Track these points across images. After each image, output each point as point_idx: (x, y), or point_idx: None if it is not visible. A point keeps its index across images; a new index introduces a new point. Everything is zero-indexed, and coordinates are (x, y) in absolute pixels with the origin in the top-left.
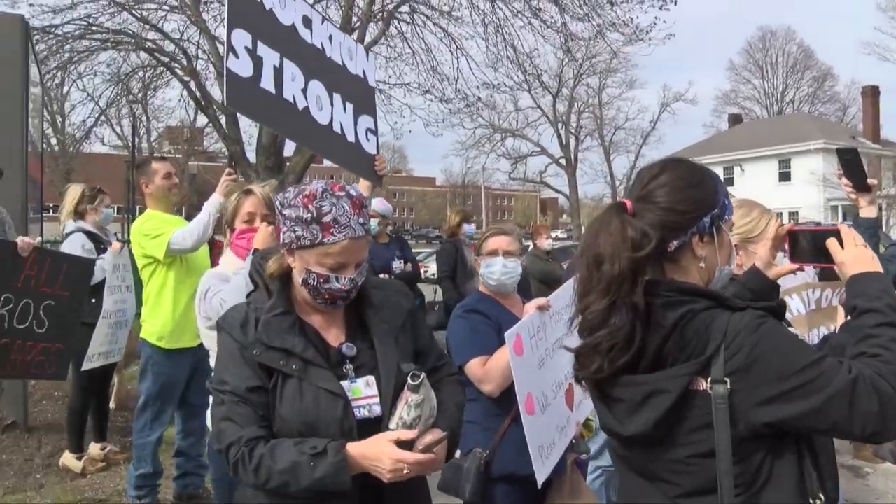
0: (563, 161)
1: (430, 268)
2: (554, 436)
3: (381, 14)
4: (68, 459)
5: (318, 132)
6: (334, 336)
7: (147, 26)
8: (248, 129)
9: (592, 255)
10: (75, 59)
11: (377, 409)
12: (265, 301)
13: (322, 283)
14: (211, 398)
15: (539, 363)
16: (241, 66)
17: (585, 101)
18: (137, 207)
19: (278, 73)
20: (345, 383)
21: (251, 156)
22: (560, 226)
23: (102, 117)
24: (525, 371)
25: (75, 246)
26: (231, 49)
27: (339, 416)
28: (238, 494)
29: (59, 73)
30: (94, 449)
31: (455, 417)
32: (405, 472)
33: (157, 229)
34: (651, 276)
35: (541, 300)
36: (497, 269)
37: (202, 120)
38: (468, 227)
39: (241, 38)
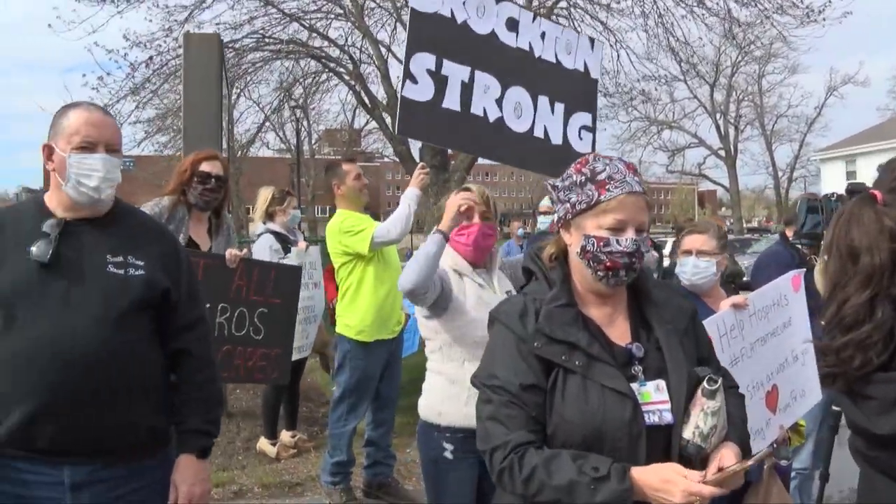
0: (721, 152)
1: None
2: None
3: (539, 11)
4: (264, 445)
5: (512, 141)
6: (617, 333)
7: (314, 34)
8: None
9: (846, 248)
10: (251, 70)
11: (668, 416)
12: (544, 292)
13: (602, 248)
14: (479, 392)
15: (731, 362)
16: (420, 91)
17: (744, 89)
18: (301, 207)
19: (467, 87)
20: (633, 386)
21: (416, 154)
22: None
23: (267, 123)
24: None
25: (264, 246)
26: (409, 76)
27: (627, 418)
28: (496, 500)
29: (236, 84)
30: (285, 436)
31: (744, 433)
32: None
33: (357, 226)
34: None
35: (737, 298)
36: (688, 269)
37: (359, 122)
38: None
39: (423, 61)
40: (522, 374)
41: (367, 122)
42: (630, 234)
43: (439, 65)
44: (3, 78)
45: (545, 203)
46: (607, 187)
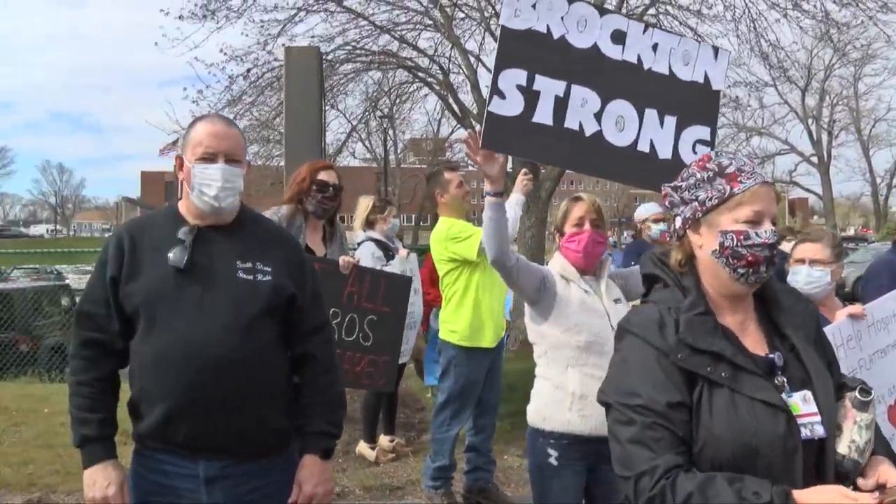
0: (814, 159)
1: None
2: None
3: (630, 12)
4: (363, 448)
5: (611, 155)
6: (752, 342)
7: (404, 45)
8: None
9: None
10: (343, 81)
11: (820, 430)
12: (677, 300)
13: (742, 242)
14: (610, 414)
15: (849, 373)
16: (508, 106)
17: (839, 92)
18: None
19: (561, 102)
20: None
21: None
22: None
23: (354, 133)
24: None
25: (366, 254)
26: (496, 92)
27: (780, 433)
28: None
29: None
30: (383, 440)
31: (888, 446)
32: None
33: (463, 232)
34: None
35: (855, 308)
36: (801, 277)
37: (444, 131)
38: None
39: (513, 77)
40: (667, 390)
41: (452, 132)
42: (768, 226)
43: (531, 80)
44: (106, 94)
45: (650, 210)
46: (739, 179)
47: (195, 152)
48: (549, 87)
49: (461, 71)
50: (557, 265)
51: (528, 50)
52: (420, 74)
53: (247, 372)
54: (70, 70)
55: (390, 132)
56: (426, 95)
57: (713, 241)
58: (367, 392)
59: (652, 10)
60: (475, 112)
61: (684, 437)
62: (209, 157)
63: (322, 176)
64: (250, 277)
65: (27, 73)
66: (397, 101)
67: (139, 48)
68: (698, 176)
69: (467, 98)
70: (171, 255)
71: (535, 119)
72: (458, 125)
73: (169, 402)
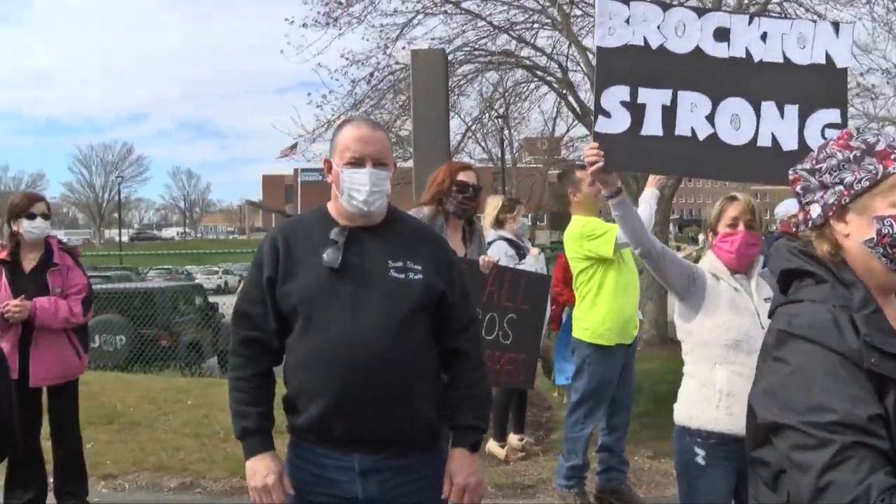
0: None
1: None
2: None
3: (750, 4)
4: (493, 447)
5: (729, 155)
6: None
7: (522, 44)
8: None
9: None
10: (462, 82)
11: None
12: (841, 297)
13: None
14: (785, 438)
15: None
16: (614, 124)
17: None
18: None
19: (669, 110)
20: None
21: None
22: None
23: (469, 133)
24: None
25: (499, 253)
26: (601, 111)
27: None
28: None
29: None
30: (513, 439)
31: None
32: None
33: (598, 229)
34: None
35: None
36: None
37: (560, 129)
38: None
39: (615, 94)
40: (864, 402)
41: (567, 130)
42: None
43: (634, 94)
44: (227, 101)
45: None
46: (893, 157)
47: (343, 157)
48: (654, 98)
49: (580, 68)
50: (708, 262)
51: (628, 65)
52: (538, 73)
53: (400, 369)
54: (194, 81)
55: (506, 132)
56: (546, 94)
57: (866, 230)
58: (497, 391)
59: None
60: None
61: (887, 454)
62: (357, 162)
63: (461, 177)
64: (402, 276)
65: (157, 86)
66: (516, 100)
67: (257, 58)
68: (840, 156)
69: (588, 96)
70: (324, 255)
71: (644, 132)
72: (575, 122)
73: (325, 398)
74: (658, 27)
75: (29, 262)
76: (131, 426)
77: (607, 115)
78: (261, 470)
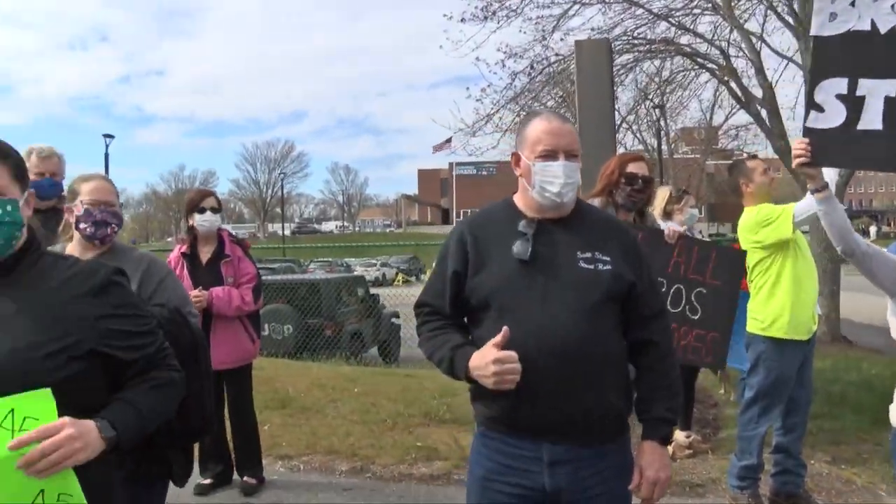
0: None
1: None
2: None
3: None
4: None
5: None
6: None
7: (680, 31)
8: (790, 124)
9: None
10: (621, 71)
11: None
12: None
13: None
14: None
15: None
16: (828, 119)
17: None
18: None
19: (893, 102)
20: None
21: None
22: None
23: (624, 124)
24: None
25: None
26: (813, 106)
27: None
28: None
29: None
30: (679, 436)
31: None
32: None
33: (772, 214)
34: None
35: None
36: None
37: (717, 118)
38: None
39: (831, 87)
40: None
41: (726, 119)
42: None
43: (853, 86)
44: (382, 98)
45: None
46: None
47: (534, 150)
48: (876, 89)
49: (743, 53)
50: None
51: (849, 54)
52: (699, 60)
53: (591, 356)
54: (350, 79)
55: (662, 122)
56: (707, 82)
57: None
58: None
59: None
60: (759, 97)
61: None
62: (549, 155)
63: (631, 168)
64: (591, 267)
65: (316, 84)
66: (676, 89)
67: (411, 54)
68: None
69: (749, 82)
70: (514, 247)
71: (861, 126)
72: (735, 110)
73: (516, 387)
74: (893, 7)
75: (205, 254)
76: (303, 411)
77: (820, 109)
78: (477, 361)
